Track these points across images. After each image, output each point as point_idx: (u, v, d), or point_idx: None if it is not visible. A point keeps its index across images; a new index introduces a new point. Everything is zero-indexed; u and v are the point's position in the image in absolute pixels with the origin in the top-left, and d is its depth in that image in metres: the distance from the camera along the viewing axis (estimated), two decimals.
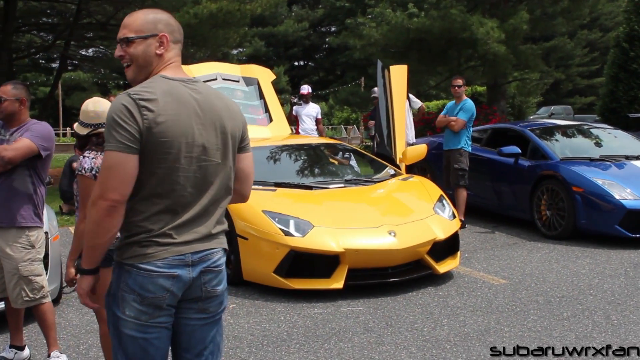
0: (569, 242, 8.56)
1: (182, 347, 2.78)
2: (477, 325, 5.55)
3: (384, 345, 5.13)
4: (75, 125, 4.26)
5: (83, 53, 25.06)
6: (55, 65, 29.71)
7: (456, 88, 9.98)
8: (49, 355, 4.73)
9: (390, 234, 6.50)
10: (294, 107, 13.24)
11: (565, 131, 10.70)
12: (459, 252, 7.21)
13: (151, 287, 2.60)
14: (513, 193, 9.68)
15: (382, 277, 6.54)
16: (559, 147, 9.77)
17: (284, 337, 5.35)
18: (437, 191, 7.66)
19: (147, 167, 2.59)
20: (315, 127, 12.98)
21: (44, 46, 22.07)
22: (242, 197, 2.98)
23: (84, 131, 4.18)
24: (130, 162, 2.54)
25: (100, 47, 23.74)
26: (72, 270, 4.08)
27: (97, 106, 4.20)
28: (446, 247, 6.96)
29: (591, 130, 10.88)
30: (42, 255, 4.77)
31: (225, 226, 2.82)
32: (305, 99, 13.18)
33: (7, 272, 4.64)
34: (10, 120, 4.73)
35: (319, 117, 13.21)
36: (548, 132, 10.35)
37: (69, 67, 34.28)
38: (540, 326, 5.50)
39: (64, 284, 4.32)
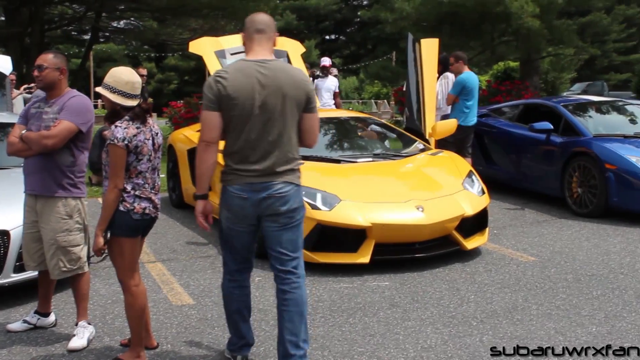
0: (600, 220, 8.43)
1: (268, 246, 4.08)
2: (504, 303, 5.48)
3: (410, 321, 5.10)
4: (114, 96, 4.15)
5: (114, 25, 25.09)
6: (86, 37, 29.81)
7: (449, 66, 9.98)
8: (76, 324, 4.76)
9: (418, 209, 6.44)
10: (316, 81, 12.92)
11: (599, 107, 10.50)
12: (487, 229, 7.13)
13: (231, 202, 3.95)
14: (544, 170, 9.52)
15: (409, 253, 6.49)
16: (592, 123, 9.59)
17: (309, 310, 5.31)
18: (466, 166, 7.57)
19: (226, 120, 3.88)
20: (333, 102, 12.83)
21: (75, 18, 22.11)
22: (307, 145, 4.13)
23: (131, 102, 4.13)
24: (213, 116, 3.88)
25: (132, 19, 23.76)
26: (101, 240, 4.08)
27: (135, 76, 4.18)
28: (475, 223, 6.88)
29: (625, 106, 10.65)
30: (81, 225, 4.72)
31: (290, 166, 3.96)
32: (326, 72, 12.99)
33: (45, 243, 4.64)
34: (49, 90, 4.71)
35: (337, 90, 13.04)
36: (581, 108, 10.16)
37: (101, 39, 34.41)
38: (568, 304, 5.43)
39: (92, 254, 4.30)
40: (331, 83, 12.88)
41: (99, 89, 4.23)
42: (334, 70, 14.80)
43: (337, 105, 12.93)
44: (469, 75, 9.80)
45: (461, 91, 9.65)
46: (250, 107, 3.84)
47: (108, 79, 4.18)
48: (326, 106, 12.47)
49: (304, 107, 3.99)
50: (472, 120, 9.73)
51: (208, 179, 3.96)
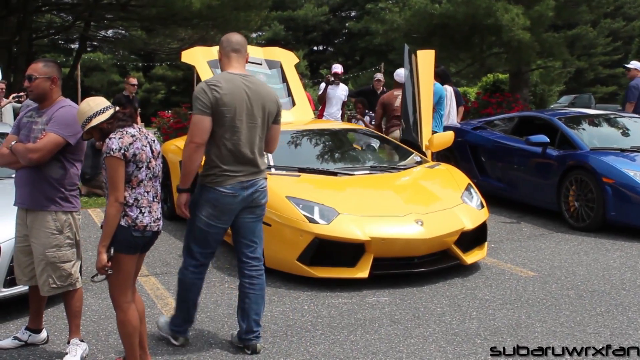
0: (597, 234, 8.35)
1: (241, 236, 4.71)
2: (507, 320, 5.37)
3: (412, 338, 4.97)
4: (94, 121, 4.06)
5: (103, 34, 24.90)
6: (74, 46, 29.57)
7: None
8: (68, 342, 4.61)
9: (417, 222, 6.32)
10: (328, 88, 12.40)
11: (593, 120, 10.43)
12: (486, 243, 7.03)
13: (222, 200, 4.49)
14: (540, 183, 9.43)
15: (408, 267, 6.37)
16: (587, 136, 9.50)
17: (309, 327, 5.20)
18: (464, 179, 7.47)
19: (217, 124, 4.40)
20: (340, 113, 12.48)
21: (63, 26, 21.93)
22: (269, 151, 4.89)
23: (107, 112, 4.05)
24: (205, 120, 4.38)
25: (120, 28, 23.59)
26: (105, 257, 3.92)
27: (88, 100, 4.15)
28: (474, 237, 6.78)
29: (619, 119, 10.60)
30: (72, 241, 4.56)
31: (265, 165, 4.70)
32: (338, 79, 12.45)
33: (35, 258, 4.49)
34: (41, 100, 4.57)
35: (345, 99, 12.71)
36: (576, 121, 10.08)
37: (89, 48, 34.18)
38: (573, 321, 5.32)
39: (95, 273, 4.10)
40: (342, 91, 12.46)
41: (84, 134, 4.19)
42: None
43: (343, 115, 12.58)
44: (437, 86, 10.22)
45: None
46: (240, 114, 4.45)
47: (80, 120, 4.11)
48: (331, 117, 12.10)
49: (274, 118, 4.70)
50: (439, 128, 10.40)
51: (193, 176, 4.50)
